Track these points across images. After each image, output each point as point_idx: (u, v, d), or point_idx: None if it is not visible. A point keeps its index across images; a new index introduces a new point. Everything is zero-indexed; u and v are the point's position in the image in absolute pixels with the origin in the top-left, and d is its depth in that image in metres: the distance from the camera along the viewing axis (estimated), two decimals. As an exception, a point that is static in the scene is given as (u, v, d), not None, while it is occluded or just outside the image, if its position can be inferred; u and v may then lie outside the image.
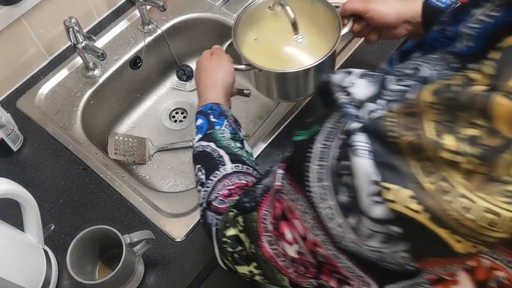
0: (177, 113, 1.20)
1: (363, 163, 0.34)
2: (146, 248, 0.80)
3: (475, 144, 0.31)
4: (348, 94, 0.38)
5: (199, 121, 0.70)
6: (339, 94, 0.39)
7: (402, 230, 0.34)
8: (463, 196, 0.31)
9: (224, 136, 0.67)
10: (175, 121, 1.19)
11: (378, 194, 0.34)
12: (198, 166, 0.66)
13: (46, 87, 1.06)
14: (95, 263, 0.82)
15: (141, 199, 0.89)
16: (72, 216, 0.88)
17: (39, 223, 0.78)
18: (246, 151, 0.68)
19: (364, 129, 0.36)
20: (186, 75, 1.24)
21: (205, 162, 0.65)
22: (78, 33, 0.96)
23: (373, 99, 0.37)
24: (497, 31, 0.34)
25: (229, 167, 0.63)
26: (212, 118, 0.69)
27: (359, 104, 0.37)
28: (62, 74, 1.08)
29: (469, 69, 0.34)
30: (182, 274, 0.82)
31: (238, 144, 0.68)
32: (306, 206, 0.41)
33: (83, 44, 0.98)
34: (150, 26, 1.14)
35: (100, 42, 1.12)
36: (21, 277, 0.72)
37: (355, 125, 0.36)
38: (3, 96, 1.05)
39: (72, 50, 1.07)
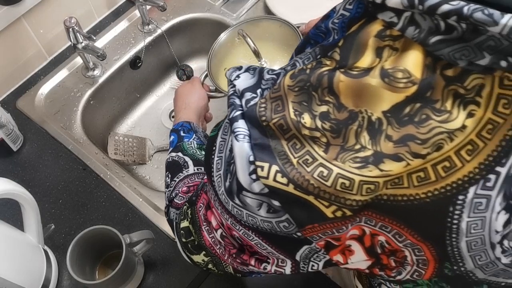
0: (177, 113, 1.20)
1: (242, 147, 0.38)
2: (146, 248, 0.80)
3: (327, 119, 0.35)
4: (234, 86, 0.42)
5: (171, 138, 0.78)
6: (229, 88, 0.43)
7: (279, 203, 0.38)
8: (322, 165, 0.35)
9: (191, 146, 0.74)
10: (175, 121, 1.19)
11: (254, 172, 0.38)
12: (167, 173, 0.71)
13: (46, 87, 1.06)
14: (95, 263, 0.82)
15: (141, 199, 0.89)
16: (72, 216, 0.88)
17: (39, 223, 0.78)
18: None
19: (243, 116, 0.40)
20: (186, 75, 1.24)
21: (172, 168, 0.71)
22: (78, 33, 0.96)
23: (252, 89, 0.41)
24: (350, 22, 0.37)
25: (191, 169, 0.69)
26: (181, 133, 0.77)
27: (241, 95, 0.41)
28: (62, 74, 1.08)
29: (326, 57, 0.37)
30: (182, 274, 0.82)
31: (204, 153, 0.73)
32: (214, 194, 0.45)
33: (83, 44, 0.98)
34: (150, 26, 1.14)
35: (100, 42, 1.12)
36: (21, 277, 0.72)
37: (237, 113, 0.40)
38: (3, 96, 1.05)
39: (72, 50, 1.07)
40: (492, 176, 0.33)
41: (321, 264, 0.45)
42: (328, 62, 0.36)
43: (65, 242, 0.85)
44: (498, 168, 0.33)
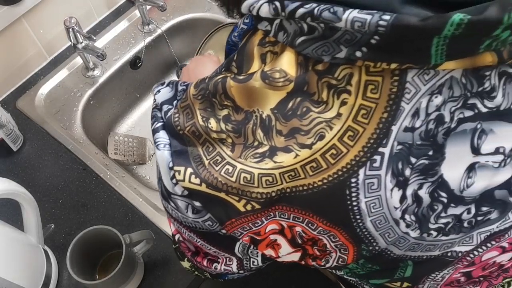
0: (177, 113, 1.20)
1: (163, 155, 0.41)
2: (146, 248, 0.80)
3: (229, 121, 0.38)
4: (155, 100, 0.46)
5: None
6: (153, 102, 0.47)
7: (199, 203, 0.41)
8: (229, 163, 0.38)
9: None
10: (175, 121, 1.19)
11: (174, 177, 0.41)
12: None
13: (46, 87, 1.06)
14: (95, 263, 0.82)
15: (141, 199, 0.89)
16: (72, 216, 0.88)
17: (39, 223, 0.78)
18: None
19: (163, 127, 0.43)
20: (186, 75, 1.24)
21: None
22: (78, 33, 0.96)
23: (169, 101, 0.45)
24: (244, 35, 0.41)
25: None
26: None
27: (160, 107, 0.45)
28: (62, 74, 1.08)
29: (227, 71, 0.40)
30: (182, 274, 0.82)
31: None
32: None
33: (83, 44, 0.98)
34: (150, 26, 1.14)
35: (100, 42, 1.12)
36: (21, 277, 0.72)
37: (158, 124, 0.44)
38: (3, 96, 1.05)
39: (72, 50, 1.07)
40: (377, 157, 0.35)
41: (259, 259, 0.47)
42: (229, 75, 0.39)
43: (65, 242, 0.85)
44: (381, 149, 0.35)
